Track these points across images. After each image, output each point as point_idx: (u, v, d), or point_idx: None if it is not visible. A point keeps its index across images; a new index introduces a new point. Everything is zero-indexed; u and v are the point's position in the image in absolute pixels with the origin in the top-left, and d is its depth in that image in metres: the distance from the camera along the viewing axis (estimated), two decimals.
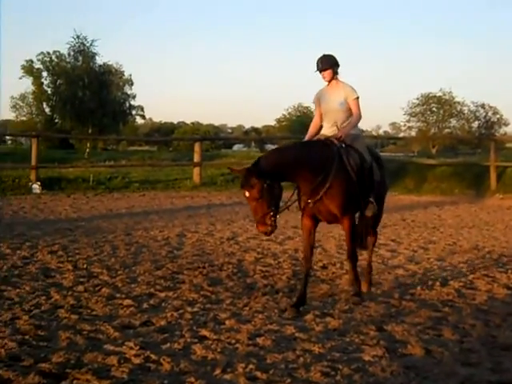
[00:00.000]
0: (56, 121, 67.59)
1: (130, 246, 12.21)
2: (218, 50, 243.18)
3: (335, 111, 8.65)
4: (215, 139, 67.98)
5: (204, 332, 6.96)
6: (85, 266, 10.23)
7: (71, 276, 9.45)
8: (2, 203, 19.31)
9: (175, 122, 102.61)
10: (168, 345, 6.51)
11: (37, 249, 11.61)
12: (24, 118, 74.60)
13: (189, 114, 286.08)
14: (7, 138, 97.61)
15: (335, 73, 8.65)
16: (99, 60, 63.75)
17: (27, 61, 68.64)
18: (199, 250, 11.83)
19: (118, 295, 8.36)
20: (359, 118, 8.65)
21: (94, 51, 62.82)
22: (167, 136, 72.24)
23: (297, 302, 7.93)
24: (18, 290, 8.52)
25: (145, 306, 7.93)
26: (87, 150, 53.81)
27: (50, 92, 68.15)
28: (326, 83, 8.74)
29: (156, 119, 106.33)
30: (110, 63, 66.00)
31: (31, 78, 68.71)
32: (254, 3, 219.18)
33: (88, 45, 62.41)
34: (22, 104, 74.14)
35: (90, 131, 61.07)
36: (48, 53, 67.75)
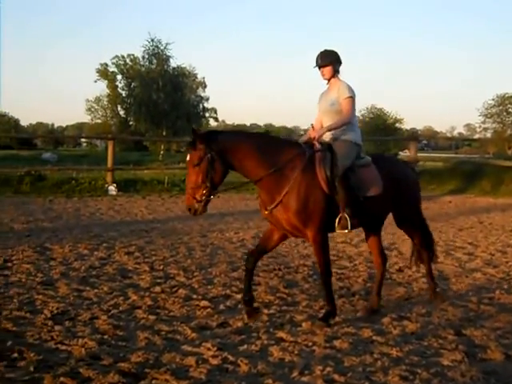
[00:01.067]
0: (130, 123, 68.59)
1: (206, 247, 12.29)
2: (289, 50, 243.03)
3: (327, 112, 7.87)
4: None
5: (281, 334, 6.97)
6: (161, 267, 10.33)
7: (148, 277, 9.55)
8: (79, 205, 19.62)
9: (248, 124, 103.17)
10: (245, 346, 6.54)
11: (114, 250, 11.78)
12: (99, 121, 75.87)
13: (262, 116, 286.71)
14: (83, 140, 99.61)
15: (336, 71, 7.87)
16: (173, 63, 64.40)
17: (102, 64, 69.92)
18: (274, 252, 11.79)
19: (194, 296, 8.42)
20: (345, 119, 7.67)
21: (168, 54, 63.49)
22: None
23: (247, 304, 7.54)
24: (96, 291, 8.66)
25: (221, 307, 7.97)
26: (161, 152, 54.47)
27: (124, 95, 69.29)
28: (326, 81, 7.97)
29: (229, 121, 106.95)
30: (183, 66, 66.54)
31: (106, 81, 69.93)
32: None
33: (162, 48, 63.09)
34: (96, 107, 75.41)
35: (164, 133, 61.73)
36: (122, 56, 68.90)
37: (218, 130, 7.86)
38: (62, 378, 5.52)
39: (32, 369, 5.75)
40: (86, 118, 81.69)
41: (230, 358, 6.15)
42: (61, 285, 8.94)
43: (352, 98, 7.73)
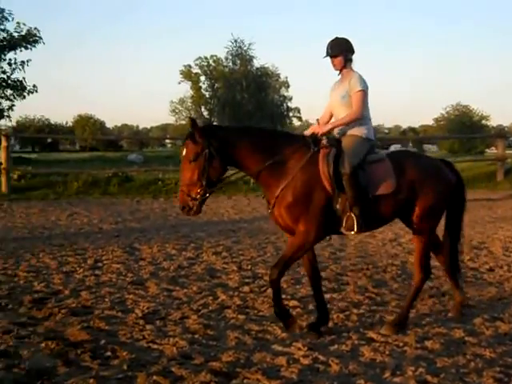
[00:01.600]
0: (214, 124, 68.97)
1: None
2: (373, 49, 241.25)
3: (337, 106, 7.42)
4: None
5: (371, 334, 6.92)
6: (249, 266, 10.37)
7: (236, 277, 9.59)
8: (166, 205, 19.85)
9: None
10: (336, 346, 6.52)
11: (201, 250, 11.87)
12: (183, 122, 76.41)
13: None
14: (167, 141, 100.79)
15: (347, 60, 7.34)
16: (256, 63, 64.55)
17: (185, 66, 70.45)
18: (362, 251, 11.74)
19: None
20: (353, 115, 7.19)
21: (252, 54, 63.72)
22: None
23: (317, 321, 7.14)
24: (185, 290, 8.75)
25: (310, 307, 7.94)
26: None
27: (207, 96, 69.68)
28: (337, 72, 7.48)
29: (312, 121, 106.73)
30: (266, 66, 66.65)
31: (190, 82, 70.40)
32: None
33: (245, 48, 63.36)
34: (181, 108, 75.96)
35: None
36: (205, 57, 69.35)
37: (218, 125, 7.61)
38: (154, 377, 5.59)
39: (125, 367, 5.84)
40: (170, 120, 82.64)
41: (321, 357, 6.14)
42: (151, 284, 9.07)
43: (363, 91, 7.24)
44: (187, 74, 70.41)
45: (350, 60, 7.41)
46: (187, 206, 6.81)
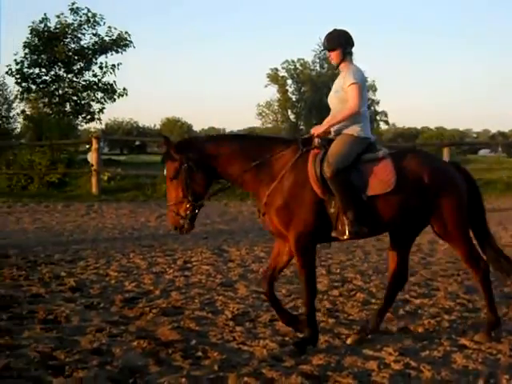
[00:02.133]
0: (301, 127, 68.96)
1: (382, 251, 12.14)
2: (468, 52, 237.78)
3: (332, 102, 7.05)
4: (461, 144, 66.14)
5: (463, 341, 6.81)
6: (338, 270, 10.34)
7: (325, 280, 9.57)
8: (254, 208, 19.91)
9: (419, 127, 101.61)
10: (427, 352, 6.43)
11: None
12: (270, 125, 76.62)
13: (433, 119, 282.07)
14: None
15: (346, 54, 6.92)
16: None
17: (272, 69, 70.69)
18: (452, 256, 11.55)
19: (373, 300, 8.36)
20: (350, 110, 6.72)
21: None
22: (410, 141, 71.58)
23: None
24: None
25: (401, 312, 7.88)
26: None
27: (294, 99, 69.71)
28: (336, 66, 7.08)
29: (399, 125, 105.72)
30: None
31: (276, 85, 70.59)
32: None
33: None
34: (267, 111, 76.17)
35: None
36: (292, 61, 69.44)
37: (193, 137, 7.42)
38: (245, 378, 5.62)
39: (216, 368, 5.89)
40: (256, 123, 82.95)
41: (412, 363, 6.07)
42: (240, 286, 9.13)
43: (356, 84, 6.72)
44: (274, 78, 70.69)
45: (350, 53, 7.00)
46: (178, 225, 6.60)
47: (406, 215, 6.77)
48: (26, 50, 34.38)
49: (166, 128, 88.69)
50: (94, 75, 35.65)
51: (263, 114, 77.19)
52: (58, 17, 34.18)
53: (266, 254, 11.64)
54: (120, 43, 34.98)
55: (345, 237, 6.53)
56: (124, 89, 35.94)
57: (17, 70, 34.30)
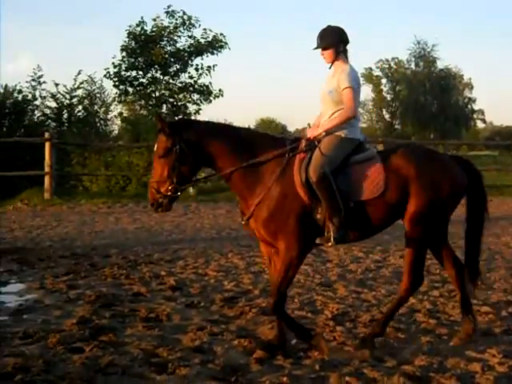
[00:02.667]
0: (396, 127, 68.33)
1: (483, 252, 11.93)
2: None
3: (325, 101, 6.69)
4: None
5: None
6: (437, 271, 10.19)
7: (425, 281, 9.41)
8: None
9: None
10: None
11: (388, 253, 11.83)
12: (364, 125, 76.09)
13: None
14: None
15: (339, 52, 6.61)
16: (440, 64, 63.45)
17: (366, 68, 70.15)
18: None
19: (474, 302, 8.18)
20: (347, 115, 6.45)
21: (435, 56, 62.74)
22: (508, 140, 70.03)
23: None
24: (374, 293, 8.74)
25: (503, 313, 7.74)
26: None
27: (389, 98, 69.08)
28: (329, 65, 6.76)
29: (497, 123, 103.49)
30: (450, 67, 65.39)
31: (371, 85, 70.06)
32: None
33: (428, 50, 62.46)
34: (362, 111, 75.57)
35: (431, 136, 61.03)
36: (387, 60, 68.79)
37: (192, 119, 7.04)
38: (347, 378, 5.58)
39: (317, 367, 5.87)
40: None
41: None
42: (339, 286, 9.12)
43: (352, 88, 6.45)
44: (368, 77, 70.10)
45: (344, 51, 6.68)
46: (156, 202, 6.40)
47: (397, 216, 6.55)
48: (124, 53, 34.95)
49: (260, 128, 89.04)
50: (190, 77, 35.93)
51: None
52: (155, 20, 34.57)
53: (363, 254, 11.62)
54: (215, 45, 35.24)
55: (329, 244, 6.31)
56: (220, 90, 36.16)
57: (114, 73, 34.90)
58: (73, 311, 7.75)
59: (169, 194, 6.33)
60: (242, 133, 6.68)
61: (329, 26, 6.70)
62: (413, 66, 66.30)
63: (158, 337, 6.74)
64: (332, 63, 6.68)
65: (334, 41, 6.60)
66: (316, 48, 6.70)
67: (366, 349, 6.27)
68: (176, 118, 6.39)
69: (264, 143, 6.55)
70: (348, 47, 6.75)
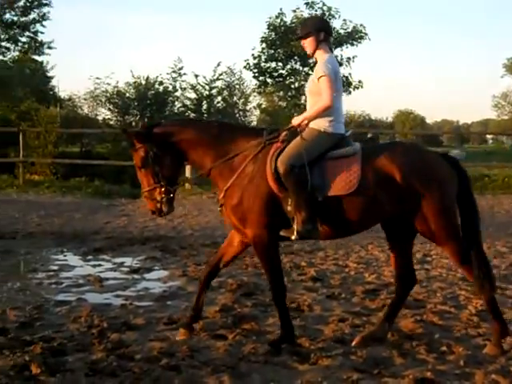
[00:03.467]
0: (151, 123, 66.70)
1: None
2: None
3: (307, 93, 6.63)
4: None
5: None
6: None
7: None
8: (492, 202, 19.40)
9: None
10: None
11: None
12: (505, 117, 74.17)
13: None
14: (488, 137, 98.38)
15: (320, 41, 6.44)
16: None
17: (508, 59, 68.34)
18: None
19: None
20: (323, 103, 6.25)
21: None
22: None
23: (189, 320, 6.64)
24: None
25: None
26: None
27: None
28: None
29: None
30: None
31: None
32: None
33: None
34: (503, 103, 73.70)
35: None
36: None
37: (157, 122, 6.84)
38: (493, 375, 5.47)
39: (462, 363, 5.78)
40: (492, 115, 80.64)
41: None
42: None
43: (327, 76, 6.25)
44: (510, 68, 68.26)
45: (325, 41, 6.50)
46: (156, 209, 6.50)
47: (375, 218, 6.33)
48: (263, 45, 35.35)
49: (398, 120, 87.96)
50: None
51: (499, 106, 74.82)
52: (294, 11, 34.78)
53: (507, 250, 11.33)
54: (355, 36, 35.11)
55: (293, 237, 6.17)
56: (359, 81, 36.02)
57: (254, 64, 35.35)
58: (215, 299, 7.92)
59: (163, 196, 6.42)
60: (216, 126, 6.69)
61: (311, 16, 6.70)
62: None
63: (299, 327, 6.77)
64: (313, 53, 6.54)
65: (313, 29, 6.45)
66: (298, 38, 6.66)
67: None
68: (139, 125, 6.38)
69: (241, 134, 6.57)
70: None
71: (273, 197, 6.18)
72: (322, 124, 6.33)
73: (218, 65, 32.46)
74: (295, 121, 6.43)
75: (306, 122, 6.38)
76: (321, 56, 6.46)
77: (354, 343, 6.29)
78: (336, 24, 34.28)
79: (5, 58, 44.28)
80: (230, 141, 6.46)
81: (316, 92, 6.38)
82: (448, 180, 6.25)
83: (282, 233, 6.23)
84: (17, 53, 45.41)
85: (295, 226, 6.09)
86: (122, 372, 5.45)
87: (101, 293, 8.38)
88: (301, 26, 6.71)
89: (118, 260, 10.69)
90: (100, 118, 34.15)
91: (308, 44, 6.50)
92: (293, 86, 35.68)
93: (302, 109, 34.96)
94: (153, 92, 31.18)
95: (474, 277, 6.23)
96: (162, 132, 6.48)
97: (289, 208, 6.13)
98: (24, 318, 7.13)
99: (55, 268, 10.03)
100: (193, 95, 32.34)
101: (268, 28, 35.07)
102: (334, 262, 10.24)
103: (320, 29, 6.47)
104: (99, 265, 10.26)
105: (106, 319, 6.95)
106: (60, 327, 6.73)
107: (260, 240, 6.24)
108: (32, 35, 44.92)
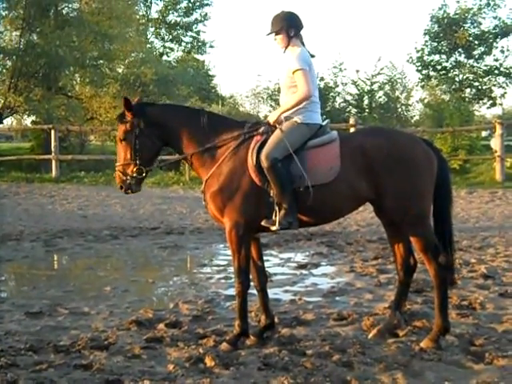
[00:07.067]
0: (147, 102, 62.97)
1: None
2: None
3: (281, 87, 6.64)
4: None
5: None
6: None
7: None
8: None
9: None
10: None
11: None
12: None
13: None
14: None
15: (291, 37, 6.44)
16: None
17: None
18: None
19: None
20: (301, 96, 6.27)
21: None
22: None
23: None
24: None
25: None
26: None
27: None
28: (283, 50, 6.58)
29: None
30: None
31: None
32: None
33: None
34: None
35: None
36: None
37: (152, 102, 6.48)
38: None
39: None
40: None
41: None
42: None
43: (302, 69, 6.28)
44: None
45: (296, 36, 6.50)
46: (124, 184, 6.51)
47: (353, 204, 6.40)
48: (426, 38, 34.88)
49: None
50: (495, 59, 35.07)
51: None
52: (458, 2, 34.14)
53: None
54: None
55: (274, 228, 6.17)
56: None
57: (417, 57, 34.93)
58: (384, 295, 7.90)
59: (134, 175, 6.46)
60: (199, 114, 6.65)
61: (281, 12, 6.59)
62: None
63: (472, 325, 6.65)
64: (286, 48, 6.55)
65: (284, 25, 6.48)
66: (269, 34, 6.61)
67: None
68: (134, 101, 6.39)
69: (225, 126, 6.58)
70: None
71: (253, 188, 6.26)
72: (300, 116, 6.40)
73: (379, 59, 32.25)
74: (272, 117, 6.51)
75: (283, 116, 6.44)
76: (293, 50, 6.49)
77: (370, 336, 6.35)
78: (501, 14, 33.42)
79: (169, 58, 45.76)
80: (213, 131, 6.53)
81: (291, 86, 6.45)
82: (422, 163, 6.22)
83: (262, 223, 6.26)
84: (180, 53, 46.86)
85: (277, 218, 6.15)
86: (294, 367, 5.53)
87: (270, 288, 8.49)
88: (271, 21, 6.65)
89: (285, 255, 10.84)
90: (261, 114, 34.65)
91: (279, 40, 6.57)
92: (457, 79, 35.01)
93: (466, 102, 34.24)
94: None
95: (437, 266, 6.17)
96: (154, 111, 6.61)
97: (270, 200, 6.21)
98: (196, 312, 7.38)
99: (223, 263, 10.30)
100: (354, 90, 32.31)
101: (431, 20, 34.56)
102: (505, 259, 9.95)
103: (290, 25, 6.52)
104: (267, 260, 10.33)
105: (277, 314, 7.04)
106: (231, 321, 6.85)
107: (236, 230, 6.26)
108: (194, 35, 46.21)
